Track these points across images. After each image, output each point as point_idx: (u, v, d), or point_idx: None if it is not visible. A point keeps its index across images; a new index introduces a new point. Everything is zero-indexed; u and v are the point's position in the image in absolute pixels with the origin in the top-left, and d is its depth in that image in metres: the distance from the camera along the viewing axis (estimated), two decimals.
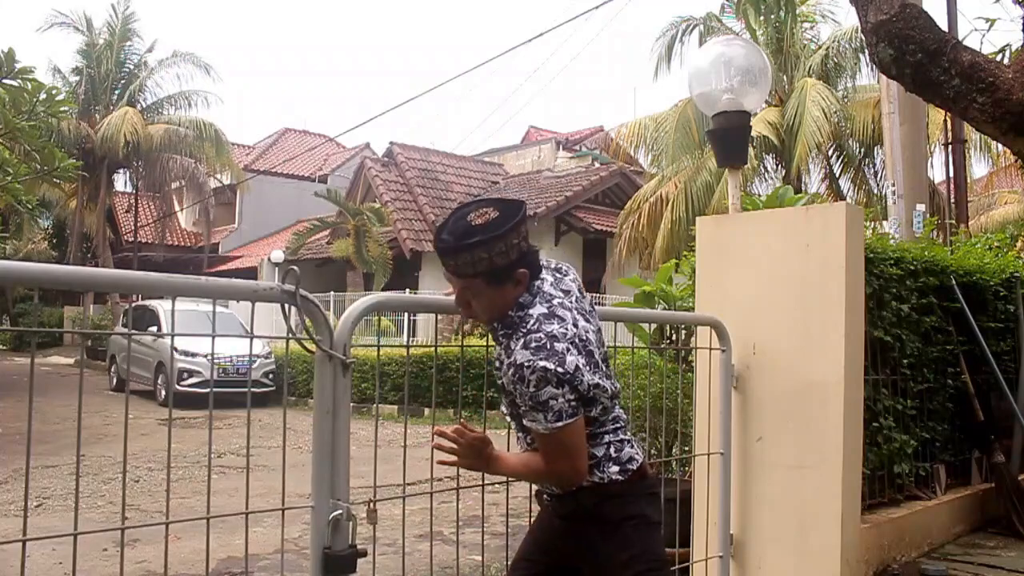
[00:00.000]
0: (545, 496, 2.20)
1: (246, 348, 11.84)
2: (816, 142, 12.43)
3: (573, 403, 1.94)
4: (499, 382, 2.07)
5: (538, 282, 2.04)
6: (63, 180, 10.08)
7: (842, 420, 3.03)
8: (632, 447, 2.16)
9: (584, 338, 2.00)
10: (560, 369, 1.90)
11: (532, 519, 2.30)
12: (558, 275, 2.13)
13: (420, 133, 74.51)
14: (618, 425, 2.14)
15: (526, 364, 1.91)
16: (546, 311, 1.99)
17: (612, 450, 2.13)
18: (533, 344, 1.93)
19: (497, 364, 2.07)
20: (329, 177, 26.60)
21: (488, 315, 2.04)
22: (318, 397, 1.88)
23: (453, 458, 2.00)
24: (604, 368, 2.08)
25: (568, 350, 1.94)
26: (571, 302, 2.06)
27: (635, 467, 2.12)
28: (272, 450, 8.27)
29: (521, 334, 1.96)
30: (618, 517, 2.10)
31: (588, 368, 1.98)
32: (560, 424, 1.93)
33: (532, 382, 1.90)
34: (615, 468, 2.11)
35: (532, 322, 1.97)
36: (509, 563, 2.32)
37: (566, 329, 1.97)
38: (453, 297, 2.10)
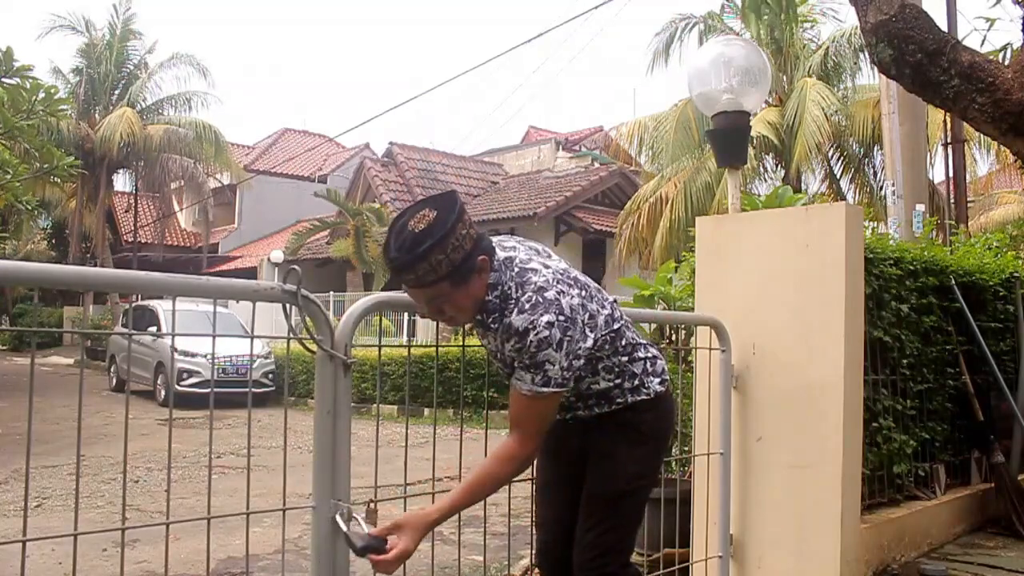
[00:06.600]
0: (590, 413, 2.18)
1: (246, 348, 11.85)
2: (816, 142, 12.41)
3: (567, 374, 1.94)
4: (500, 359, 2.04)
5: (495, 258, 1.99)
6: (62, 179, 10.08)
7: (842, 420, 3.03)
8: (663, 360, 2.24)
9: (563, 269, 2.04)
10: (562, 316, 1.91)
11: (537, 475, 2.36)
12: (505, 244, 2.11)
13: (420, 133, 74.50)
14: (646, 342, 2.22)
15: (529, 326, 1.89)
16: (516, 273, 1.98)
17: (648, 364, 2.17)
18: (527, 307, 1.91)
19: (495, 348, 2.04)
20: (329, 177, 26.57)
21: (467, 314, 1.98)
22: (319, 397, 1.88)
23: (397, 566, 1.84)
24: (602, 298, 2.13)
25: (560, 293, 1.95)
26: (534, 253, 2.09)
27: (667, 378, 2.21)
28: (271, 450, 8.27)
29: (512, 306, 1.94)
30: (649, 429, 2.18)
31: (586, 299, 2.01)
32: (546, 390, 1.93)
33: (535, 343, 1.89)
34: (656, 380, 2.18)
35: (513, 291, 1.96)
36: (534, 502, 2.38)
37: (546, 276, 1.97)
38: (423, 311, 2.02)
